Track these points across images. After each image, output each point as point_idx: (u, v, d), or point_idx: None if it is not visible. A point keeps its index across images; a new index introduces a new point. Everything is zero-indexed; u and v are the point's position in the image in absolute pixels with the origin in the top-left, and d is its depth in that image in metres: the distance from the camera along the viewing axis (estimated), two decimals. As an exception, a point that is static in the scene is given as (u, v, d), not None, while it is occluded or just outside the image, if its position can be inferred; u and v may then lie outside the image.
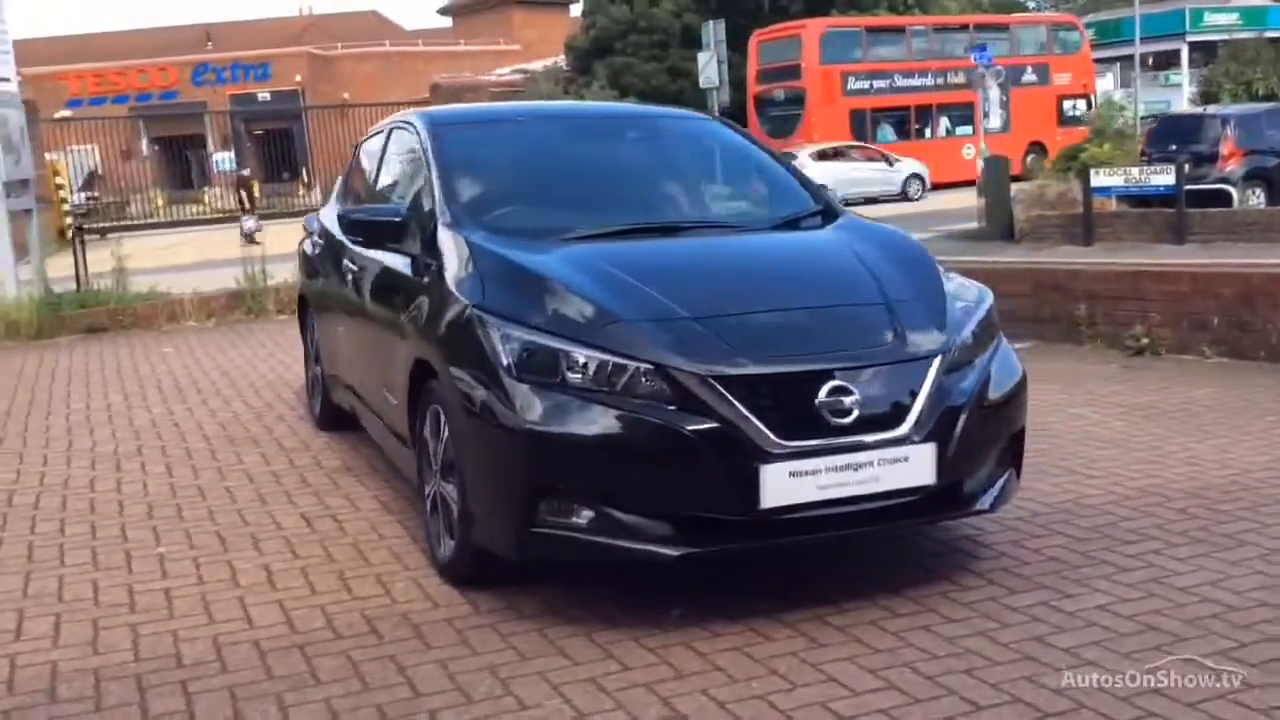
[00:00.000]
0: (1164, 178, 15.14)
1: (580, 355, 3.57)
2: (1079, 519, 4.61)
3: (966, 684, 3.25)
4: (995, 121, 30.92)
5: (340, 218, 4.71)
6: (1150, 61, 38.70)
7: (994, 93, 30.71)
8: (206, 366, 9.13)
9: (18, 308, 10.62)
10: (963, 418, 3.76)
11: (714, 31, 28.08)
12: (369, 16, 63.53)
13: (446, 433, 3.98)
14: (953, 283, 4.26)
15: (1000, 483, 4.03)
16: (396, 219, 4.57)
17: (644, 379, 3.53)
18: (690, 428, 3.47)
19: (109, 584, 4.29)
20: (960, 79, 30.68)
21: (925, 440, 3.66)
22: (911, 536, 4.41)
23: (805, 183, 5.02)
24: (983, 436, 3.90)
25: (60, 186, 27.22)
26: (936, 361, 3.76)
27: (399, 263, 4.62)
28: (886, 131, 30.59)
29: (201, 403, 7.65)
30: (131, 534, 4.89)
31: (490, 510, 3.74)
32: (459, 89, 32.15)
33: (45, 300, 10.82)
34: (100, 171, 37.54)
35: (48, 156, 27.58)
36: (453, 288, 4.04)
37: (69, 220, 27.23)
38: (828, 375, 3.59)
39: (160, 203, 37.91)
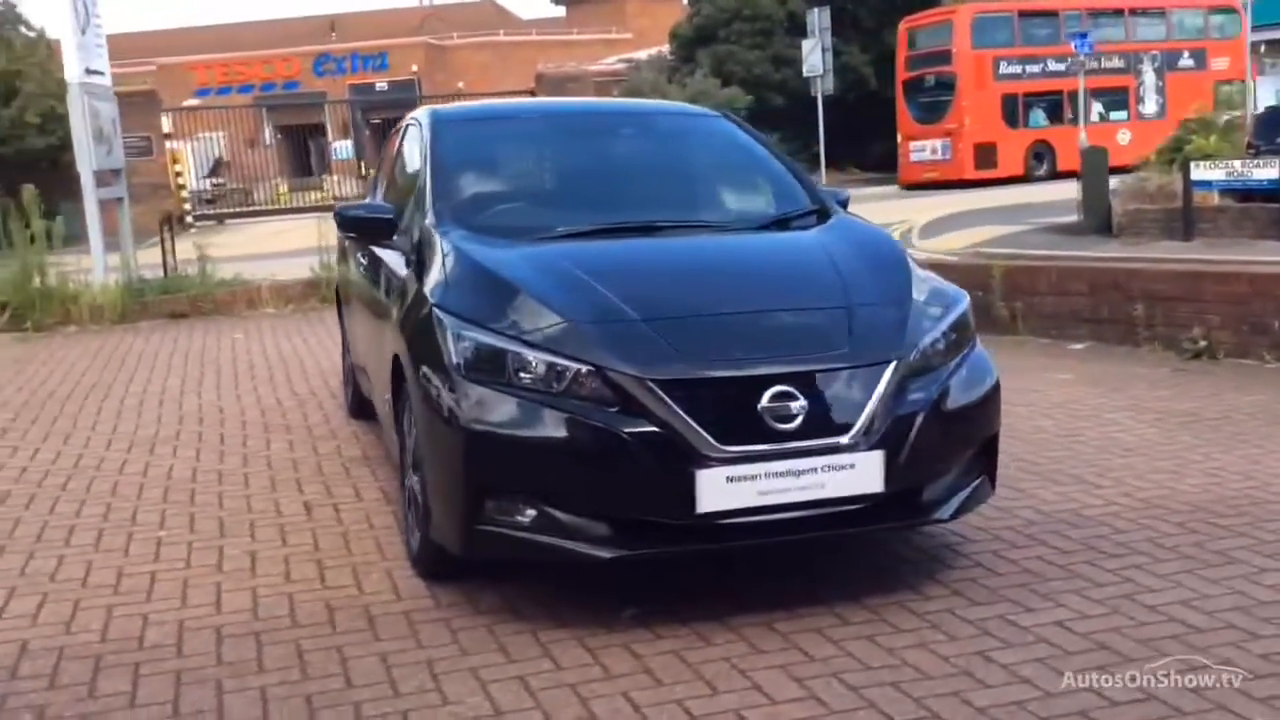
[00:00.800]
0: (1267, 171, 14.51)
1: (526, 356, 3.60)
2: (1071, 530, 4.49)
3: (889, 697, 3.20)
4: (1151, 107, 29.98)
5: (336, 214, 4.81)
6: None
7: (1150, 78, 29.80)
8: (269, 353, 9.39)
9: (104, 292, 11.06)
10: (917, 425, 3.69)
11: (819, 18, 27.82)
12: (486, 6, 64.25)
13: (413, 428, 4.05)
14: (926, 286, 4.18)
15: (966, 491, 3.95)
16: (386, 216, 4.66)
17: (585, 381, 3.54)
18: (627, 430, 3.48)
19: (102, 565, 4.47)
20: (1116, 63, 29.95)
21: (873, 447, 3.60)
22: (888, 543, 4.34)
23: (804, 182, 4.97)
24: (942, 444, 3.83)
25: (179, 174, 28.24)
26: (890, 368, 3.69)
27: (393, 259, 4.70)
28: (1039, 116, 29.92)
29: (252, 389, 7.88)
30: (141, 517, 5.07)
31: (441, 506, 3.80)
32: (562, 79, 32.24)
33: (131, 286, 11.24)
34: (226, 159, 38.76)
35: (170, 145, 28.55)
36: (424, 286, 4.10)
37: (187, 206, 28.28)
38: (772, 380, 3.55)
39: (283, 189, 39.02)
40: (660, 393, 3.49)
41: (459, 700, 3.27)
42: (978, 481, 4.02)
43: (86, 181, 11.51)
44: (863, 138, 32.59)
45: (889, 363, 3.70)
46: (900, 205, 21.11)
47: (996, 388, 4.06)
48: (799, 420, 3.55)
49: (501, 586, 4.02)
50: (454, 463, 3.68)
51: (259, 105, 44.08)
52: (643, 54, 33.77)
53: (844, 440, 3.59)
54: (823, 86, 28.17)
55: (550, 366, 3.57)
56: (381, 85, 47.10)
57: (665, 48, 33.96)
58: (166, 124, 28.47)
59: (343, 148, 43.25)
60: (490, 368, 3.64)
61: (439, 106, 5.45)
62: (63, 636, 3.81)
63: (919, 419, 3.70)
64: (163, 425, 6.86)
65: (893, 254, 4.38)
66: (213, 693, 3.38)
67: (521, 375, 3.60)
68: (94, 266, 11.72)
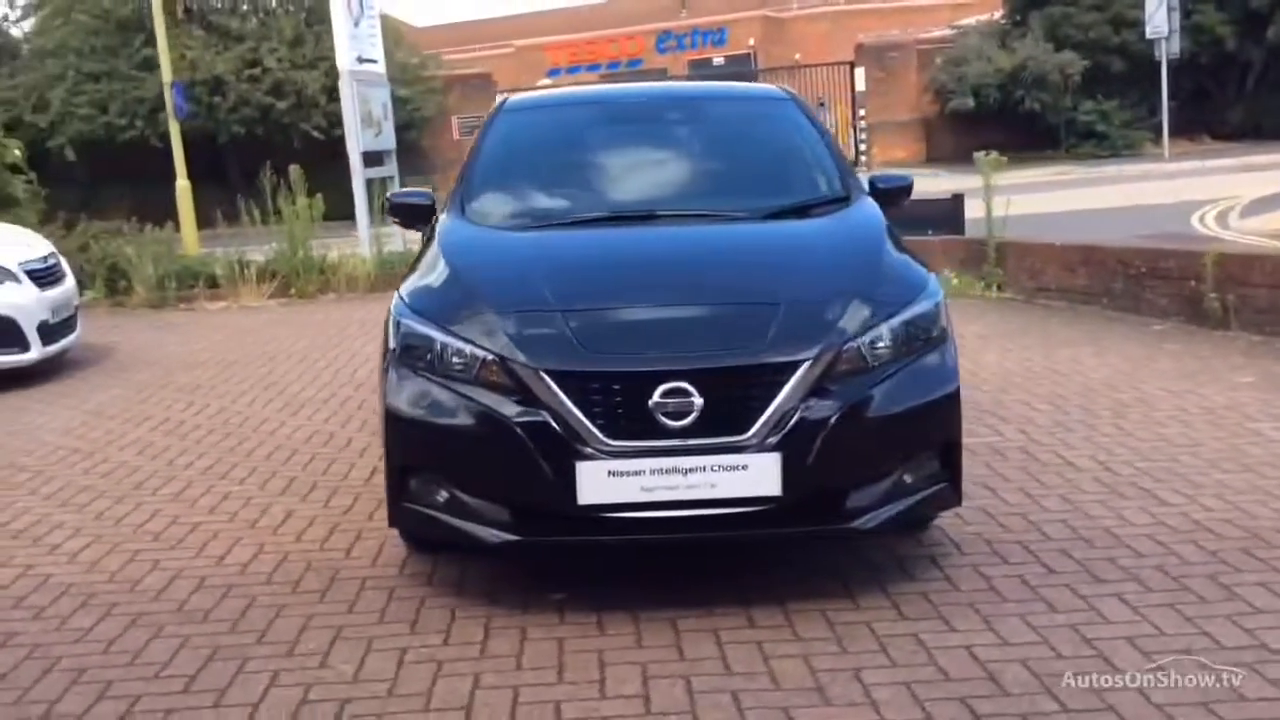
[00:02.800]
0: None
1: (449, 344, 3.74)
2: (1082, 548, 4.16)
3: (717, 703, 3.15)
4: None
5: (386, 199, 5.11)
6: None
7: None
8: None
9: (360, 263, 12.05)
10: (828, 428, 3.55)
11: (1164, -25, 25.74)
12: (830, -25, 63.45)
13: None
14: (893, 282, 3.97)
15: (908, 501, 3.75)
16: (425, 203, 4.91)
17: (491, 370, 3.65)
18: (518, 419, 3.55)
19: (163, 515, 4.99)
20: None
21: (771, 450, 3.50)
22: (865, 547, 4.18)
23: (840, 169, 4.80)
24: (867, 450, 3.65)
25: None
26: (802, 369, 3.56)
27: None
28: None
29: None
30: (234, 473, 5.60)
31: (385, 483, 4.02)
32: (883, 48, 31.59)
33: (383, 258, 12.17)
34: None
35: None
36: (408, 272, 4.34)
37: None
38: (665, 376, 3.52)
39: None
40: (551, 384, 3.55)
41: (332, 665, 3.49)
42: (929, 491, 3.81)
43: (355, 162, 12.54)
44: (1216, 104, 29.93)
45: (801, 363, 3.57)
46: (1237, 180, 19.13)
47: (952, 394, 3.81)
48: (691, 418, 3.50)
49: (470, 563, 4.17)
50: (385, 442, 3.90)
51: (602, 83, 45.90)
52: (972, 20, 32.38)
53: (738, 440, 3.51)
54: (1168, 49, 26.10)
55: (465, 355, 3.70)
56: (719, 60, 47.79)
57: (999, 12, 32.43)
58: None
59: (681, 123, 44.12)
60: (420, 355, 3.81)
61: (514, 95, 5.63)
62: (81, 575, 4.34)
63: (831, 422, 3.55)
64: (326, 388, 7.47)
65: (870, 247, 4.19)
66: (149, 634, 3.76)
67: (444, 363, 3.74)
68: (360, 239, 12.77)
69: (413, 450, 3.80)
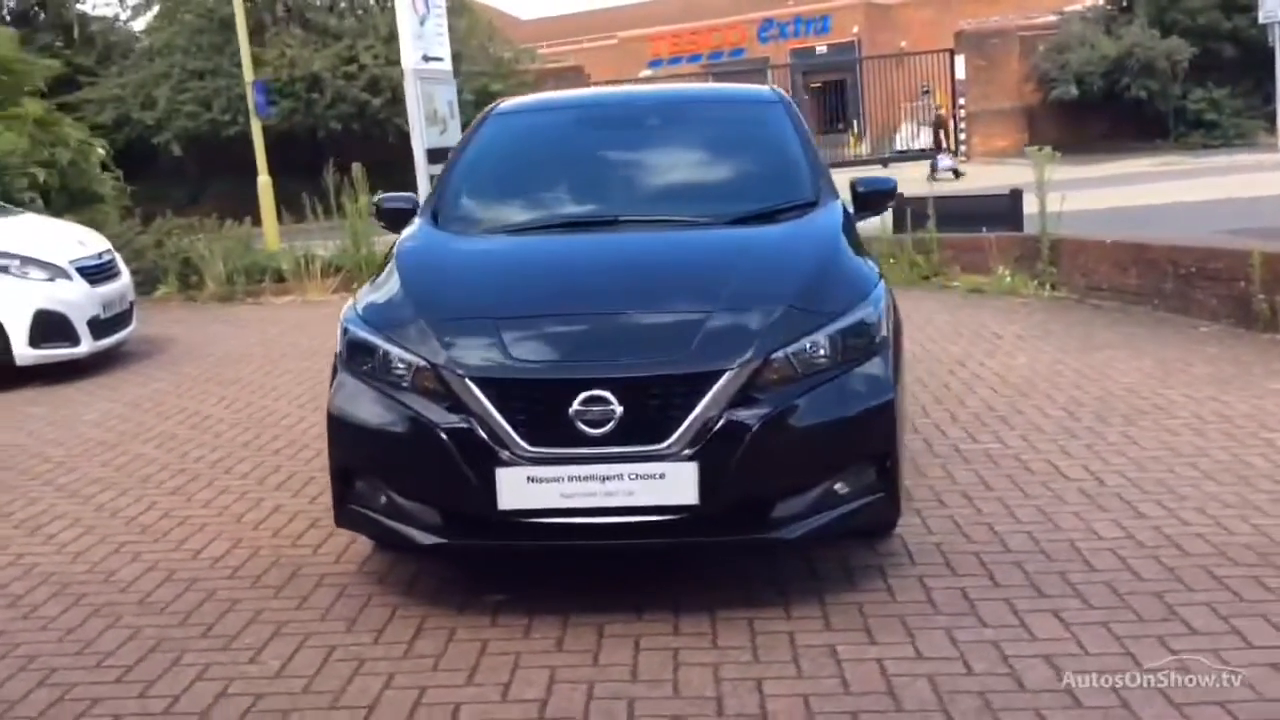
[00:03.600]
0: None
1: (387, 351, 3.83)
2: (1037, 561, 4.09)
3: (610, 710, 3.19)
4: None
5: (373, 204, 5.22)
6: None
7: None
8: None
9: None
10: (749, 438, 3.54)
11: (1275, -42, 24.82)
12: (938, -39, 62.29)
13: None
14: (838, 289, 3.94)
15: (838, 512, 3.72)
16: (406, 207, 5.01)
17: (424, 376, 3.72)
18: (443, 425, 3.63)
19: (159, 507, 5.18)
20: None
21: (688, 458, 3.52)
22: (816, 556, 4.16)
23: (815, 174, 4.77)
24: (792, 460, 3.64)
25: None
26: (723, 379, 3.56)
27: None
28: None
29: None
30: (239, 467, 5.78)
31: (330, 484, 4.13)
32: (985, 35, 30.98)
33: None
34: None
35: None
36: (374, 277, 4.44)
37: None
38: (586, 384, 3.55)
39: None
40: (476, 391, 3.61)
41: (264, 660, 3.61)
42: (862, 502, 3.78)
43: (419, 159, 12.76)
44: (1335, 92, 28.72)
45: (722, 373, 3.57)
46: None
47: (885, 404, 3.77)
48: (610, 426, 3.53)
49: (424, 563, 4.24)
50: (329, 445, 4.01)
51: (707, 73, 45.75)
52: (1077, 6, 31.55)
53: (656, 449, 3.53)
54: (1282, 34, 25.21)
55: (403, 362, 3.78)
56: (821, 49, 47.32)
57: (1104, -1, 31.55)
58: None
59: (780, 112, 43.94)
60: (363, 361, 3.90)
61: (507, 100, 5.70)
62: (64, 565, 4.53)
63: (752, 432, 3.55)
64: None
65: (818, 254, 4.16)
66: (105, 623, 3.93)
67: (385, 370, 3.83)
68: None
69: (352, 453, 3.90)
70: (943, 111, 30.07)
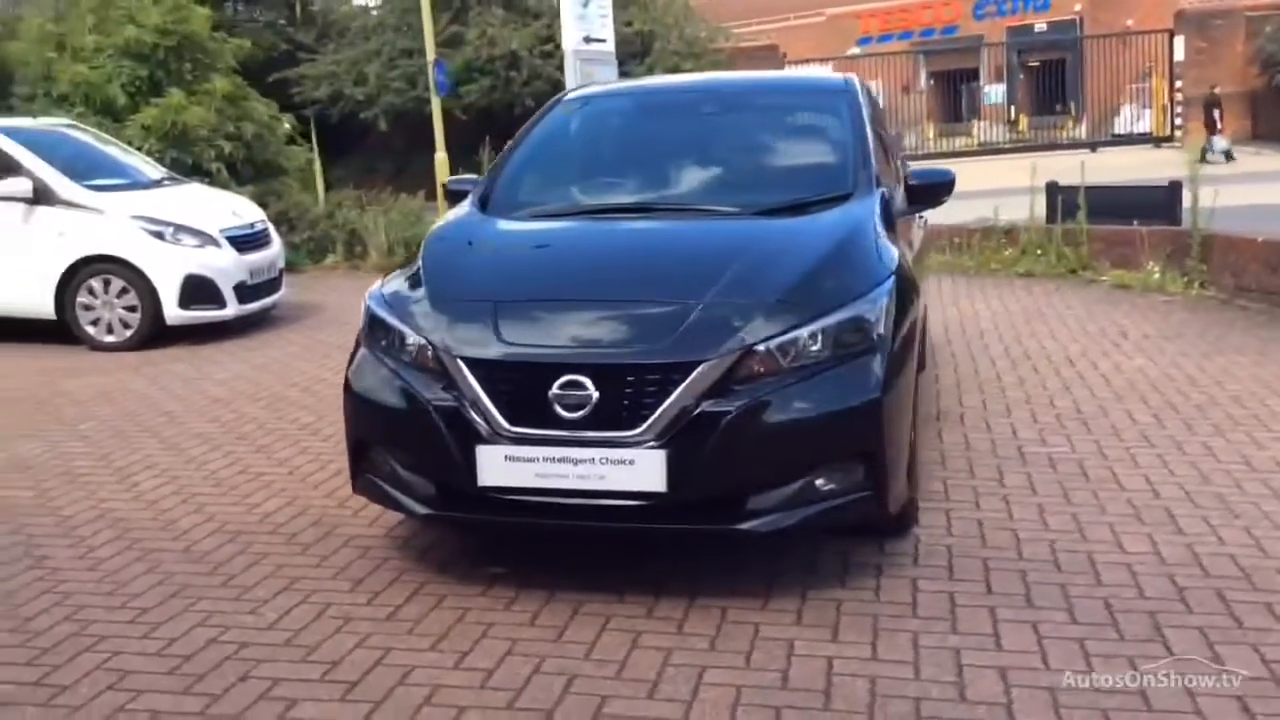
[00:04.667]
0: None
1: (400, 329, 4.03)
2: (1045, 572, 3.99)
3: (549, 685, 3.30)
4: None
5: (443, 185, 5.43)
6: None
7: None
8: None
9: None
10: (721, 429, 3.58)
11: None
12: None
13: None
14: (832, 284, 3.92)
15: (816, 509, 3.72)
16: (465, 189, 5.20)
17: (426, 355, 3.90)
18: (434, 401, 3.80)
19: (241, 463, 5.54)
20: None
21: (657, 446, 3.58)
22: (820, 549, 4.16)
23: (859, 166, 4.72)
24: (767, 453, 3.65)
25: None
26: (699, 370, 3.60)
27: None
28: None
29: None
30: (327, 429, 6.07)
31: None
32: (1207, 15, 29.23)
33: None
34: (883, 105, 40.06)
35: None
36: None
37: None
38: (565, 369, 3.66)
39: (930, 135, 39.49)
40: (465, 370, 3.77)
41: (265, 613, 3.86)
42: (846, 500, 3.76)
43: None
44: None
45: (698, 364, 3.62)
46: None
47: (871, 402, 3.73)
48: (586, 410, 3.63)
49: (448, 532, 4.44)
50: (344, 415, 4.24)
51: (918, 51, 44.72)
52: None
53: (627, 435, 3.61)
54: None
55: (409, 341, 3.98)
56: (1040, 26, 45.55)
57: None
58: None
59: (994, 92, 42.80)
60: (379, 339, 4.11)
61: (582, 88, 5.82)
62: (136, 512, 4.90)
63: (724, 423, 3.59)
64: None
65: (826, 248, 4.12)
66: (143, 570, 4.26)
67: (395, 347, 4.03)
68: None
69: (365, 424, 4.11)
70: (1216, 90, 28.39)
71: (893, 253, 4.24)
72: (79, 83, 12.19)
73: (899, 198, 4.88)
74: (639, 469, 3.60)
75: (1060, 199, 10.54)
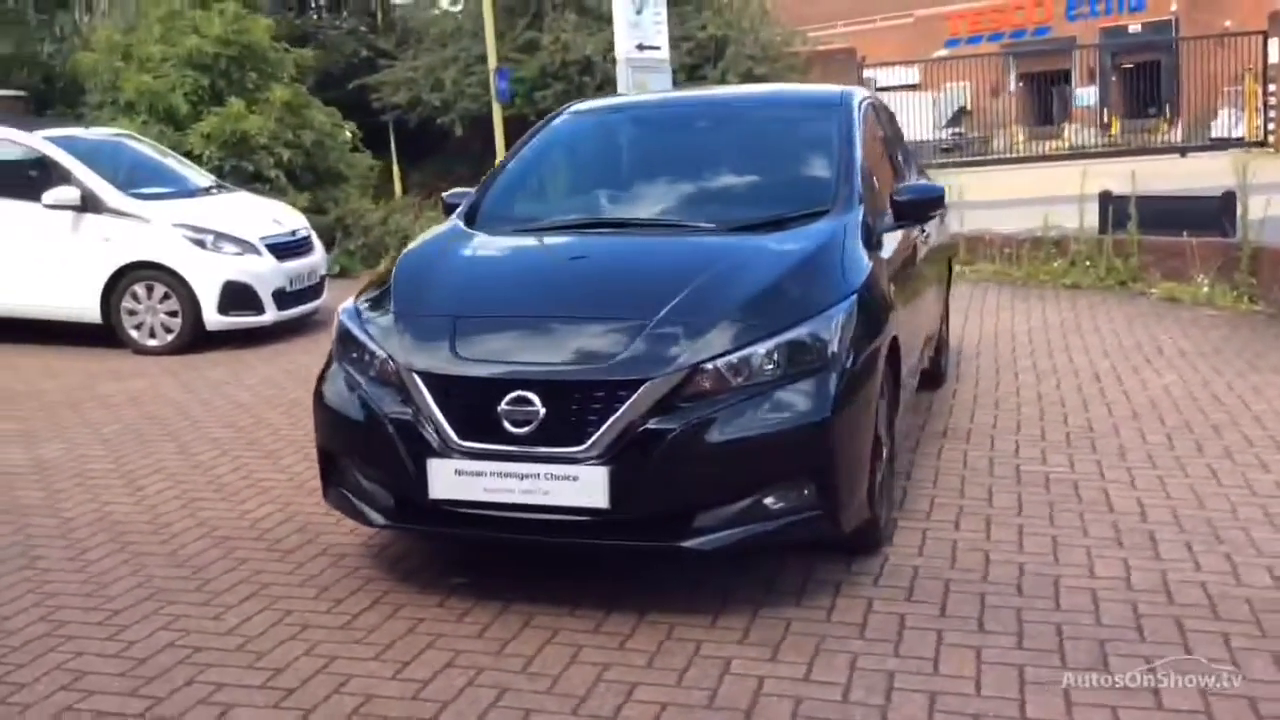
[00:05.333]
0: None
1: (364, 343, 4.11)
2: (1005, 596, 3.95)
3: (477, 697, 3.34)
4: None
5: (441, 198, 5.50)
6: None
7: None
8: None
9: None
10: (664, 446, 3.60)
11: None
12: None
13: None
14: (787, 304, 3.91)
15: (764, 527, 3.72)
16: (456, 203, 5.27)
17: (384, 368, 3.98)
18: (391, 415, 3.87)
19: (246, 469, 5.67)
20: None
21: (600, 463, 3.61)
22: (782, 565, 4.15)
23: (841, 183, 4.68)
24: (712, 471, 3.66)
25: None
26: (644, 388, 3.63)
27: None
28: None
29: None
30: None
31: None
32: (1302, 17, 28.29)
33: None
34: (969, 108, 39.48)
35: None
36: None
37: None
38: (512, 385, 3.71)
39: (1020, 138, 38.86)
40: (420, 384, 3.83)
41: (227, 618, 3.96)
42: (796, 519, 3.76)
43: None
44: None
45: (642, 382, 3.64)
46: None
47: (820, 422, 3.72)
48: (533, 426, 3.67)
49: (421, 542, 4.51)
50: (314, 426, 4.33)
51: (1007, 53, 44.01)
52: None
53: (571, 452, 3.64)
54: None
55: (371, 353, 4.06)
56: (1135, 27, 44.57)
57: None
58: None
59: (1086, 94, 41.99)
60: (347, 350, 4.19)
61: (582, 103, 5.87)
62: (134, 514, 5.03)
63: (668, 441, 3.61)
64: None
65: (787, 266, 4.12)
66: (128, 571, 4.39)
67: (360, 360, 4.11)
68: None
69: (331, 435, 4.20)
70: None
71: (861, 271, 4.21)
72: (143, 91, 12.54)
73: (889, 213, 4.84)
74: (582, 485, 3.63)
75: (1111, 209, 10.33)
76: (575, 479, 3.63)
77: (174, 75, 12.65)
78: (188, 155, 12.05)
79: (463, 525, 3.84)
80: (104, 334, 8.99)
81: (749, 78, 26.90)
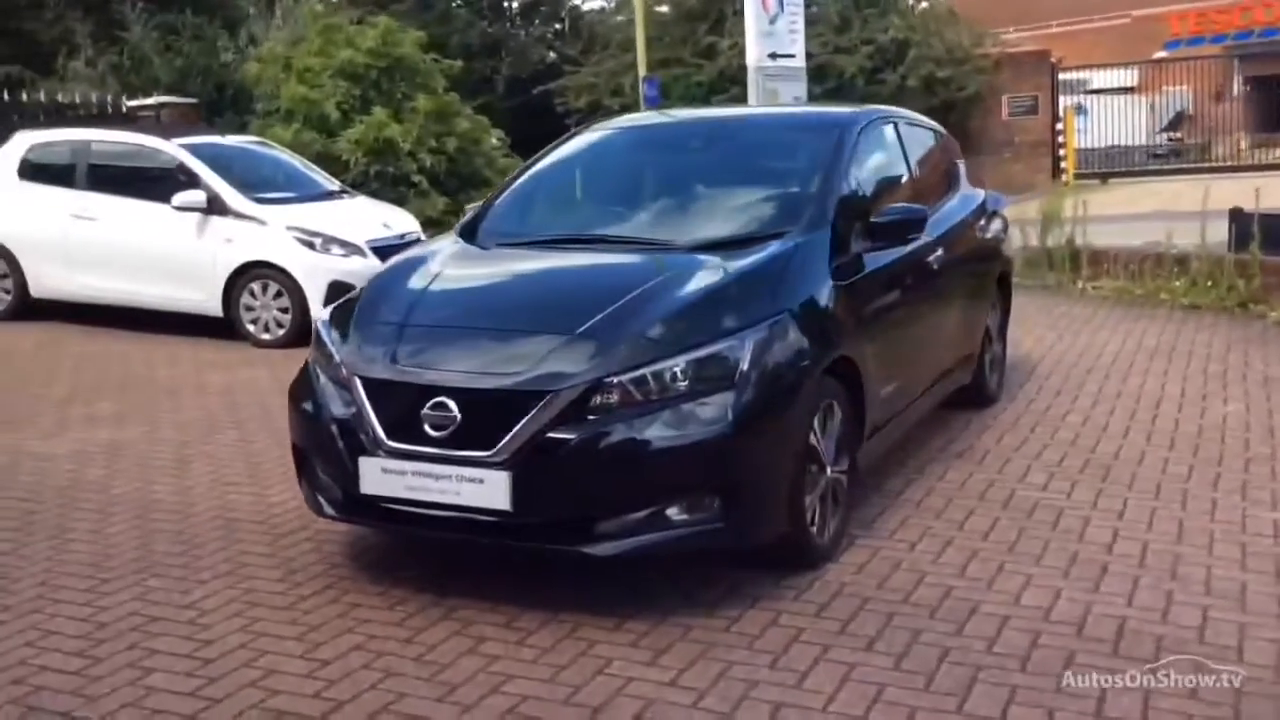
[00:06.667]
0: None
1: (327, 344, 4.46)
2: (917, 620, 3.98)
3: (358, 679, 3.61)
4: None
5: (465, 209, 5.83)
6: None
7: None
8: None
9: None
10: (565, 454, 3.81)
11: None
12: None
13: None
14: (703, 321, 4.06)
15: (664, 536, 3.89)
16: (469, 217, 5.58)
17: (338, 371, 4.31)
18: (336, 414, 4.20)
19: (287, 460, 6.07)
20: None
21: (504, 468, 3.84)
22: (716, 573, 4.28)
23: (808, 203, 4.79)
24: (611, 480, 3.85)
25: (1060, 133, 28.65)
26: (549, 397, 3.84)
27: None
28: None
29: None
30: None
31: None
32: None
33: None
34: (1190, 112, 37.74)
35: (1067, 103, 29.03)
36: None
37: (1063, 165, 28.71)
38: (433, 391, 3.98)
39: (1243, 145, 36.85)
40: (360, 387, 4.15)
41: (190, 596, 4.34)
42: (698, 530, 3.92)
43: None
44: None
45: (549, 393, 3.85)
46: None
47: (721, 437, 3.85)
48: (449, 430, 3.94)
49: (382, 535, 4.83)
50: (288, 421, 4.69)
51: (1232, 55, 41.75)
52: None
53: (479, 456, 3.89)
54: None
55: (329, 356, 4.40)
56: (1374, 29, 41.56)
57: None
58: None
59: (1319, 100, 39.50)
60: (319, 355, 4.55)
61: (601, 122, 6.10)
62: (170, 494, 5.51)
63: (568, 449, 3.81)
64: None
65: (713, 285, 4.26)
66: (131, 547, 4.83)
67: (326, 361, 4.46)
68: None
69: (298, 432, 4.55)
70: None
71: (801, 292, 4.32)
72: (299, 100, 13.39)
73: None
74: (487, 488, 3.87)
75: (1235, 227, 9.87)
76: (481, 481, 3.87)
77: (328, 85, 13.46)
78: (337, 161, 12.82)
79: (389, 520, 4.14)
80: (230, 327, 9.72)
81: (930, 82, 26.57)
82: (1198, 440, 6.02)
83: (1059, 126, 28.83)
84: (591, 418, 3.85)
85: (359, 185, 12.60)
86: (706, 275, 4.34)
